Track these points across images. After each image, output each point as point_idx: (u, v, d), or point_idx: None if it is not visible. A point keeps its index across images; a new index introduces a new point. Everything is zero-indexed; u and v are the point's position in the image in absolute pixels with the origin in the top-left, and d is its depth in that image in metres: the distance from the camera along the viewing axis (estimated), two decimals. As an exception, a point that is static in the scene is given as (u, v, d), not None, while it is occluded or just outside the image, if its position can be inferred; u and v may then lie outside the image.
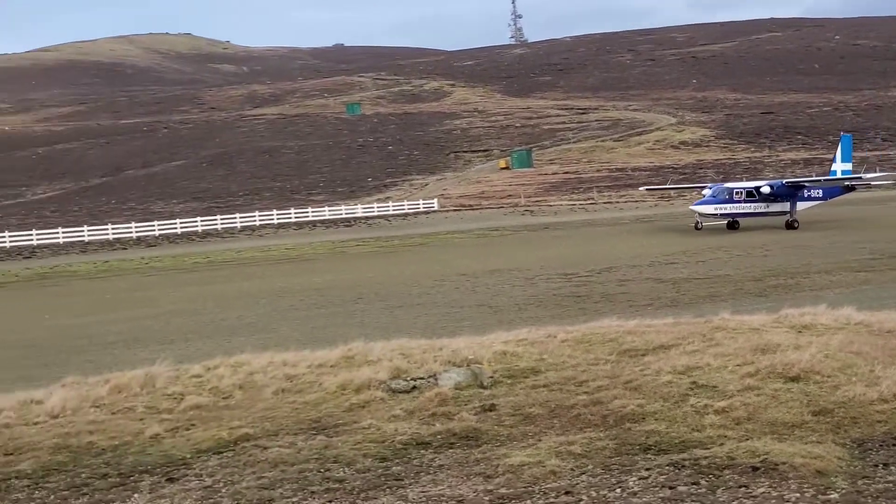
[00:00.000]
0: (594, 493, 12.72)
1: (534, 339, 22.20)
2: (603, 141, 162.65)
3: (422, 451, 15.18)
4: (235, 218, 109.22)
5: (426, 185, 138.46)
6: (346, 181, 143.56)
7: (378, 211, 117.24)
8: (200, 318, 42.89)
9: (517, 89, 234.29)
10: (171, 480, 14.65)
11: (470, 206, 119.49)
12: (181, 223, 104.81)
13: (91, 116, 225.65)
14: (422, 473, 14.22)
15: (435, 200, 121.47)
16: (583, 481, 13.22)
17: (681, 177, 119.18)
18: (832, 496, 11.95)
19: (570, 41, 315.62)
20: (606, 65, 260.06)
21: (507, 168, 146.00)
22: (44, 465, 15.65)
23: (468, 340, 22.35)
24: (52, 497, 14.29)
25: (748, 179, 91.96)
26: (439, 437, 15.71)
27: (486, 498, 12.92)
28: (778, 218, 74.38)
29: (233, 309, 45.58)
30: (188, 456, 15.74)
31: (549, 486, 13.14)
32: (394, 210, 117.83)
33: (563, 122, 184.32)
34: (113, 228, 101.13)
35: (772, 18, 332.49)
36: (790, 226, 72.70)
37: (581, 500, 12.54)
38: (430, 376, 18.60)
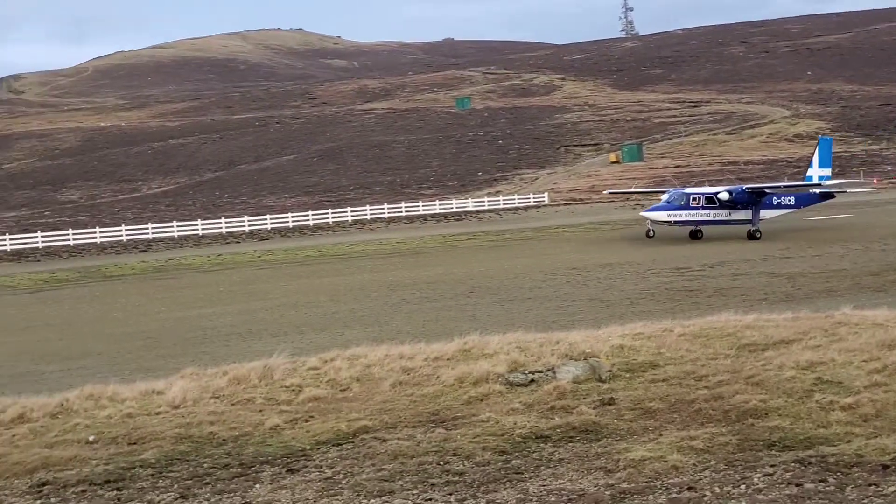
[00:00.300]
0: (718, 489, 12.54)
1: (650, 332, 22.01)
2: (715, 134, 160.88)
3: (541, 445, 15.10)
4: (346, 212, 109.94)
5: (536, 179, 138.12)
6: (456, 175, 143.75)
7: (488, 205, 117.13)
8: (313, 311, 43.17)
9: (628, 83, 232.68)
10: (291, 471, 14.75)
11: (580, 199, 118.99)
12: (293, 217, 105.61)
13: (204, 112, 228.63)
14: (542, 467, 14.14)
15: (545, 194, 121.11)
16: (706, 477, 13.05)
17: (794, 171, 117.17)
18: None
19: (682, 34, 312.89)
20: (719, 57, 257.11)
21: (617, 162, 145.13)
22: (167, 455, 15.85)
23: (584, 334, 22.22)
24: (176, 486, 14.46)
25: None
26: (558, 430, 15.62)
27: (608, 492, 12.80)
28: (743, 227, 67.53)
29: (344, 302, 45.82)
30: (308, 447, 15.83)
31: (671, 481, 12.99)
32: (504, 204, 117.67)
33: (675, 116, 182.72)
34: (226, 222, 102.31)
35: (890, 8, 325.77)
36: (752, 236, 65.83)
37: (704, 496, 12.37)
38: (547, 370, 18.51)
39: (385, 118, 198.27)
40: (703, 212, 67.64)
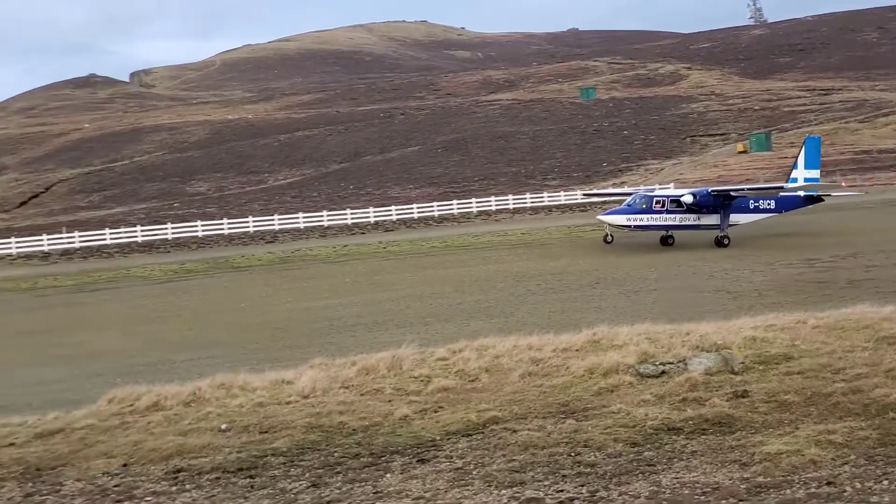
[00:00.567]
0: (858, 485, 12.23)
1: (783, 324, 21.63)
2: (847, 122, 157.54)
3: (673, 437, 14.91)
4: (471, 203, 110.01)
5: (662, 169, 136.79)
6: (580, 166, 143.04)
7: (613, 196, 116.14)
8: (438, 302, 43.23)
9: (755, 71, 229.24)
10: (422, 461, 14.75)
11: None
12: (418, 208, 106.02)
13: (330, 104, 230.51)
14: (674, 459, 13.95)
15: (671, 185, 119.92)
16: (845, 472, 12.74)
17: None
18: None
19: (813, 20, 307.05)
20: (851, 43, 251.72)
21: (745, 152, 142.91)
22: (298, 444, 15.97)
23: (714, 325, 21.91)
24: (307, 474, 14.55)
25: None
26: (691, 422, 15.41)
27: (743, 486, 12.58)
28: (712, 233, 62.20)
29: (470, 293, 45.82)
30: (438, 437, 15.83)
31: (809, 475, 12.72)
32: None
33: (804, 104, 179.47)
34: (351, 213, 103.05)
35: None
36: (719, 243, 60.57)
37: (844, 491, 12.08)
38: (678, 361, 18.28)
39: (509, 109, 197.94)
40: (669, 216, 62.34)
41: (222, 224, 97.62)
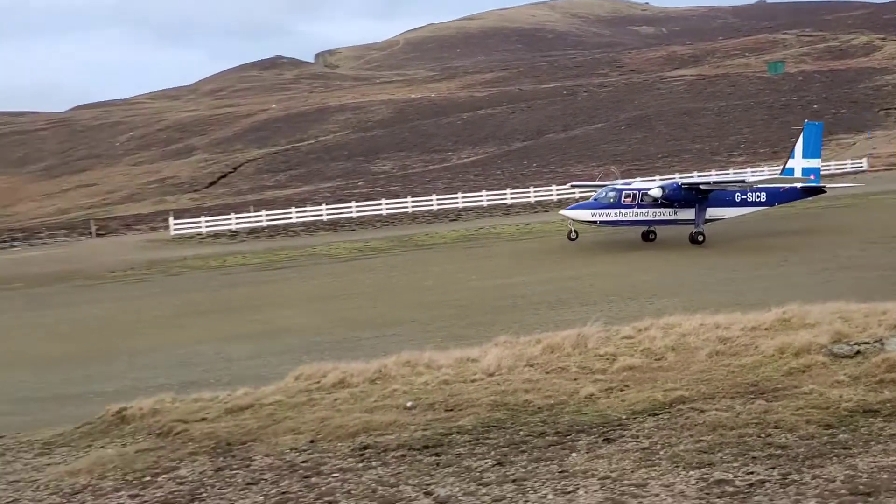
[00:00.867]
0: None
1: None
2: None
3: (870, 420, 14.43)
4: (654, 180, 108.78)
5: (853, 144, 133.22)
6: (767, 142, 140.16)
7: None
8: (622, 280, 42.87)
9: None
10: (607, 441, 14.57)
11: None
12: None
13: (513, 82, 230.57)
14: (871, 443, 13.49)
15: (864, 160, 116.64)
16: None
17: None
18: None
19: None
20: None
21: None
22: (483, 422, 15.94)
23: (913, 305, 21.16)
24: (493, 453, 14.50)
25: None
26: (889, 405, 14.89)
27: (946, 472, 12.08)
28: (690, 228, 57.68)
29: (654, 271, 45.33)
30: (623, 417, 15.64)
31: None
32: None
33: None
34: (534, 191, 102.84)
35: None
36: (693, 239, 56.45)
37: None
38: (875, 341, 17.69)
39: (694, 85, 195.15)
40: (640, 210, 58.08)
41: (406, 202, 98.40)
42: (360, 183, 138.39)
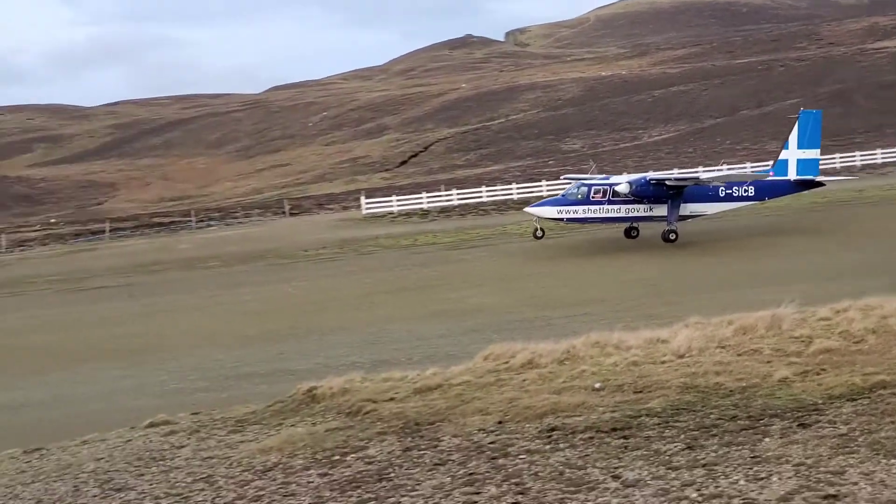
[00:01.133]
0: None
1: None
2: None
3: None
4: (854, 156, 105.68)
5: None
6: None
7: None
8: (822, 259, 41.72)
9: None
10: (802, 426, 14.12)
11: None
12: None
13: (705, 58, 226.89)
14: None
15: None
16: None
17: None
18: None
19: None
20: None
21: None
22: (673, 404, 15.64)
23: None
24: (682, 436, 14.20)
25: None
26: None
27: None
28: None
29: (854, 250, 44.03)
30: (820, 401, 15.15)
31: None
32: None
33: None
34: (727, 167, 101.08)
35: None
36: (665, 238, 53.84)
37: None
38: None
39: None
40: (611, 207, 55.03)
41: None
42: (550, 162, 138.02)
